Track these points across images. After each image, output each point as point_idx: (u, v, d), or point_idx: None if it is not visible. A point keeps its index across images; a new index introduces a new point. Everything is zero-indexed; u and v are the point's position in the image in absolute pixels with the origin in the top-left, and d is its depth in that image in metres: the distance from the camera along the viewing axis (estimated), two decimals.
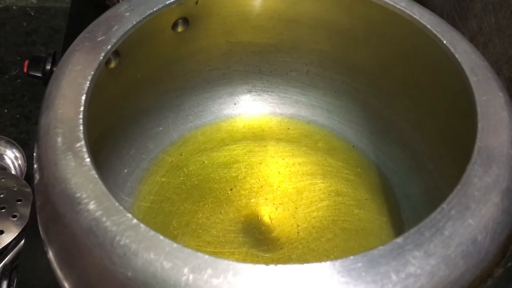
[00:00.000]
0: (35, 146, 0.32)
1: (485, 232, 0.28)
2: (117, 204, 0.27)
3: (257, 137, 0.53)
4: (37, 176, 0.31)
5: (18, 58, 0.74)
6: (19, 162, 0.63)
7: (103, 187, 0.28)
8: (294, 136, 0.53)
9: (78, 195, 0.28)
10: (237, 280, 0.25)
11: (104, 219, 0.27)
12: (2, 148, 0.63)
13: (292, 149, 0.52)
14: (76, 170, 0.28)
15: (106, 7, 0.51)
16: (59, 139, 0.30)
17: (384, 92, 0.49)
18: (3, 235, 0.54)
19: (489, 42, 0.61)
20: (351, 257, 0.26)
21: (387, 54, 0.46)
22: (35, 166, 0.32)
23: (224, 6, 0.46)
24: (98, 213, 0.27)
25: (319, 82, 0.52)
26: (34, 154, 0.32)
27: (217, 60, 0.51)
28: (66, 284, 0.30)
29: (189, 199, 0.47)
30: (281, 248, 0.45)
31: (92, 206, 0.27)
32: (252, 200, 0.47)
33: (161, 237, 0.26)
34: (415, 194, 0.47)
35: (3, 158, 0.63)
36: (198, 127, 0.52)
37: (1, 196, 0.57)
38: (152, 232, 0.26)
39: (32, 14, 0.74)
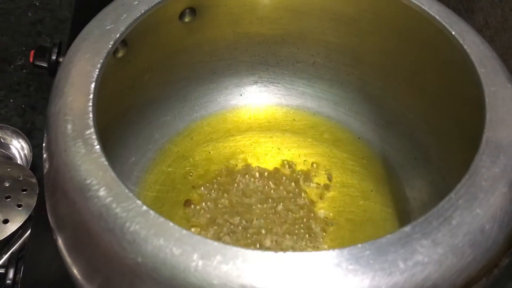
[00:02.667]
0: (45, 133, 0.32)
1: (493, 221, 0.28)
2: (127, 190, 0.27)
3: (263, 128, 0.53)
4: (46, 164, 0.31)
5: (24, 48, 0.74)
6: (25, 152, 0.63)
7: (113, 174, 0.28)
8: (300, 127, 0.53)
9: (88, 181, 0.28)
10: (246, 267, 0.25)
11: (114, 205, 0.27)
12: (8, 138, 0.63)
13: (298, 140, 0.52)
14: (86, 157, 0.29)
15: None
16: (69, 126, 0.30)
17: (391, 83, 0.49)
18: (8, 224, 0.54)
19: (495, 35, 0.61)
20: (359, 245, 0.26)
21: (395, 46, 0.46)
22: (44, 154, 0.32)
23: None
24: (108, 200, 0.27)
25: (326, 74, 0.52)
26: (44, 141, 0.32)
27: (224, 50, 0.51)
28: (75, 270, 0.30)
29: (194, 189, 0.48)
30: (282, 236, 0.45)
31: (102, 192, 0.27)
32: (258, 191, 0.48)
33: (171, 223, 0.26)
34: (421, 186, 0.47)
35: (9, 148, 0.63)
36: (204, 117, 0.52)
37: (7, 185, 0.57)
38: (161, 219, 0.26)
39: (37, 4, 0.74)
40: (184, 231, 0.26)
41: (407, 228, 0.27)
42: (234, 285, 0.24)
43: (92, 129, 0.30)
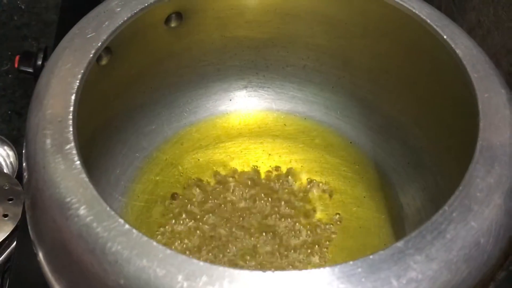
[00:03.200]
0: (24, 145, 0.31)
1: (488, 234, 0.27)
2: (108, 208, 0.26)
3: (253, 134, 0.52)
4: (25, 178, 0.30)
5: (9, 53, 0.72)
6: (11, 160, 0.62)
7: (94, 191, 0.27)
8: (290, 132, 0.52)
9: (68, 199, 0.27)
10: (233, 287, 0.24)
11: (95, 224, 0.26)
12: None
13: (289, 146, 0.51)
14: (66, 173, 0.28)
15: (98, 1, 0.49)
16: (48, 141, 0.29)
17: (383, 87, 0.48)
18: None
19: (487, 34, 0.60)
20: (351, 262, 0.25)
21: (386, 49, 0.45)
22: (24, 165, 0.31)
23: None
24: (88, 219, 0.26)
25: (316, 77, 0.52)
26: (23, 155, 0.31)
27: (212, 55, 0.50)
28: None
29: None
30: (274, 245, 0.44)
31: (82, 211, 0.26)
32: (248, 199, 0.47)
33: (154, 243, 0.25)
34: (414, 191, 0.47)
35: None
36: (193, 124, 0.51)
37: None
38: (144, 238, 0.25)
39: (23, 7, 0.73)
40: (169, 251, 0.25)
41: (400, 243, 0.26)
42: None
43: (72, 144, 0.29)
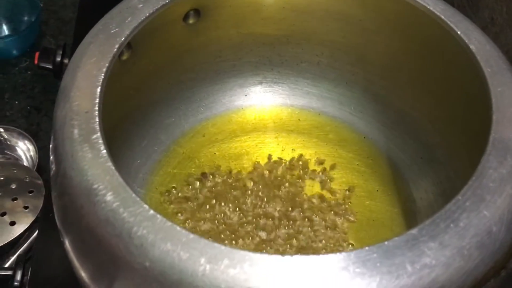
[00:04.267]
0: (52, 138, 0.32)
1: (500, 223, 0.28)
2: (133, 195, 0.27)
3: (268, 128, 0.53)
4: (53, 167, 0.31)
5: (28, 50, 0.74)
6: (31, 153, 0.63)
7: (120, 179, 0.28)
8: (305, 127, 0.53)
9: (95, 186, 0.28)
10: (254, 270, 0.25)
11: (121, 210, 0.27)
12: (14, 140, 0.63)
13: (303, 141, 0.52)
14: (93, 161, 0.29)
15: (116, 1, 0.51)
16: (76, 131, 0.30)
17: (396, 83, 0.49)
18: (15, 226, 0.54)
19: (500, 32, 0.61)
20: (366, 248, 0.26)
21: (400, 45, 0.46)
22: (51, 157, 0.32)
23: None
24: (115, 204, 0.27)
25: (330, 73, 0.52)
26: (50, 145, 0.32)
27: (228, 51, 0.51)
28: (83, 274, 0.30)
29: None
30: (293, 238, 0.45)
31: (109, 197, 0.27)
32: (262, 192, 0.48)
33: (178, 228, 0.26)
34: (427, 186, 0.47)
35: (15, 150, 0.63)
36: (209, 118, 0.52)
37: (13, 187, 0.57)
38: (168, 223, 0.26)
39: (41, 5, 0.74)
40: (192, 235, 0.26)
41: (414, 231, 0.27)
42: None
43: (98, 134, 0.30)
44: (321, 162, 0.50)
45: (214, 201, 0.46)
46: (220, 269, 0.25)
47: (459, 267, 0.26)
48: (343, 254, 0.26)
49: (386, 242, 0.26)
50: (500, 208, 0.28)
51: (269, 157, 0.50)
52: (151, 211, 0.27)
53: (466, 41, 0.37)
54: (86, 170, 0.28)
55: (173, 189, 0.47)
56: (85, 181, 0.28)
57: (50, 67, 0.65)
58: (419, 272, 0.26)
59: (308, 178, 0.49)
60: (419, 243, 0.26)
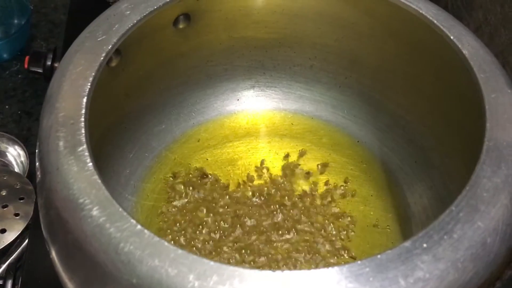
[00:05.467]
0: (37, 147, 0.31)
1: (495, 234, 0.27)
2: (120, 209, 0.27)
3: (261, 133, 0.52)
4: (39, 176, 0.31)
5: (19, 53, 0.73)
6: (22, 159, 0.62)
7: (106, 192, 0.27)
8: (298, 132, 0.52)
9: (81, 200, 0.27)
10: (243, 287, 0.24)
11: (108, 225, 0.26)
12: (4, 145, 0.62)
13: (296, 145, 0.51)
14: (79, 175, 0.28)
15: (107, 4, 0.50)
16: (61, 143, 0.29)
17: (389, 87, 0.49)
18: (6, 233, 0.54)
19: (495, 32, 0.61)
20: (359, 262, 0.26)
21: (393, 49, 0.46)
22: (37, 165, 0.32)
23: (226, 0, 0.45)
24: (101, 219, 0.26)
25: (323, 77, 0.52)
26: (36, 156, 0.32)
27: (220, 55, 0.51)
28: (70, 286, 0.30)
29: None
30: (283, 243, 0.44)
31: (95, 212, 0.27)
32: (256, 198, 0.47)
33: (166, 243, 0.26)
34: (422, 190, 0.47)
35: (6, 155, 0.62)
36: (201, 123, 0.52)
37: (3, 194, 0.56)
38: (156, 238, 0.26)
39: (32, 8, 0.74)
40: (180, 251, 0.25)
41: (407, 243, 0.26)
42: None
43: (85, 146, 0.29)
44: (313, 167, 0.50)
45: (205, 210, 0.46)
46: (209, 285, 0.24)
47: (454, 280, 0.26)
48: (335, 268, 0.25)
49: (378, 256, 0.26)
50: (494, 219, 0.28)
51: (262, 162, 0.50)
52: (138, 226, 0.26)
53: (459, 46, 0.36)
54: (71, 183, 0.28)
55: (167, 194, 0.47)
56: (71, 195, 0.28)
57: (40, 71, 0.65)
58: (413, 286, 0.25)
59: (300, 183, 0.48)
60: (412, 256, 0.26)
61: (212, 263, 0.25)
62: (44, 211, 0.31)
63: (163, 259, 0.25)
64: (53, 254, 0.31)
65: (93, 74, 0.33)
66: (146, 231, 0.26)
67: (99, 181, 0.28)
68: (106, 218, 0.26)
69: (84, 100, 0.31)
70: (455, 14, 0.68)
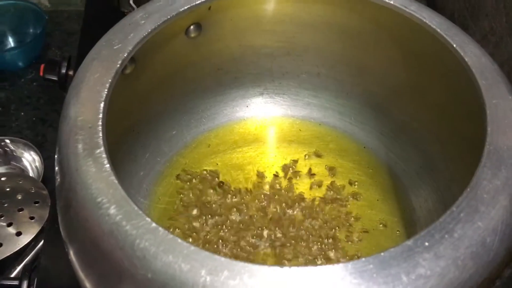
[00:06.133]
0: (57, 151, 0.33)
1: (494, 234, 0.28)
2: (136, 208, 0.28)
3: (269, 139, 0.54)
4: (58, 179, 0.32)
5: (34, 61, 0.75)
6: (36, 164, 0.64)
7: (123, 192, 0.29)
8: (306, 137, 0.54)
9: (99, 199, 0.29)
10: (253, 282, 0.26)
11: (124, 223, 0.28)
12: (20, 151, 0.64)
13: (304, 151, 0.53)
14: (97, 175, 0.30)
15: (121, 13, 0.52)
16: (80, 146, 0.31)
17: (395, 94, 0.50)
18: (21, 236, 0.55)
19: (500, 41, 0.62)
20: (363, 259, 0.27)
21: (398, 57, 0.47)
22: (56, 169, 0.33)
23: (237, 11, 0.47)
24: (118, 217, 0.28)
25: (331, 84, 0.53)
26: (55, 158, 0.33)
27: (230, 63, 0.52)
28: (87, 284, 0.31)
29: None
30: (293, 245, 0.45)
31: (112, 210, 0.28)
32: (264, 201, 0.48)
33: (179, 240, 0.27)
34: (427, 194, 0.48)
35: (21, 161, 0.64)
36: (211, 129, 0.53)
37: (19, 198, 0.58)
38: (170, 236, 0.27)
39: (47, 18, 0.76)
40: (192, 247, 0.27)
41: (409, 242, 0.28)
42: None
43: (102, 148, 0.31)
44: (321, 172, 0.51)
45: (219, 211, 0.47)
46: (220, 280, 0.26)
47: (454, 277, 0.27)
48: (341, 265, 0.26)
49: (382, 253, 0.27)
50: (494, 219, 0.29)
51: (271, 167, 0.51)
52: (153, 224, 0.27)
53: (462, 53, 0.38)
54: (90, 184, 0.29)
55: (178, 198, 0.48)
56: (89, 195, 0.29)
57: (55, 78, 0.67)
58: (414, 283, 0.26)
59: (307, 187, 0.50)
60: (414, 254, 0.27)
61: (223, 259, 0.26)
62: (64, 212, 0.32)
63: (177, 255, 0.26)
64: (71, 253, 0.32)
65: (110, 80, 0.34)
66: (160, 228, 0.27)
67: (116, 181, 0.29)
68: (122, 216, 0.28)
69: (102, 105, 0.33)
70: (462, 23, 0.69)
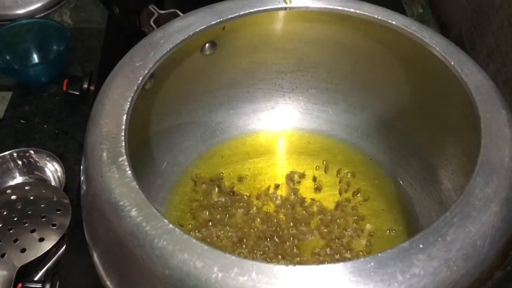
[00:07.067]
0: (83, 159, 0.36)
1: (485, 238, 0.30)
2: (155, 211, 0.31)
3: (280, 150, 0.56)
4: (84, 186, 0.35)
5: (56, 77, 0.78)
6: (58, 174, 0.66)
7: (143, 196, 0.32)
8: (314, 149, 0.56)
9: (121, 203, 0.31)
10: (260, 278, 0.28)
11: (144, 224, 0.30)
12: (44, 161, 0.67)
13: (313, 162, 0.55)
14: (120, 181, 0.32)
15: (141, 33, 0.55)
16: (105, 154, 0.34)
17: (399, 108, 0.52)
18: (44, 242, 0.58)
19: (506, 58, 0.64)
20: (361, 259, 0.29)
21: (401, 74, 0.49)
22: (82, 177, 0.36)
23: (249, 30, 0.50)
24: (139, 219, 0.31)
25: (338, 99, 0.56)
26: (82, 166, 0.36)
27: (242, 79, 0.55)
28: (108, 283, 0.34)
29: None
30: (300, 250, 0.48)
31: (134, 212, 0.31)
32: (276, 210, 0.51)
33: (194, 240, 0.30)
34: (430, 205, 0.50)
35: (44, 171, 0.67)
36: (224, 141, 0.56)
37: (42, 206, 0.60)
38: (185, 236, 0.30)
39: (69, 35, 0.79)
40: (206, 247, 0.29)
41: (405, 244, 0.30)
42: None
43: (124, 157, 0.34)
44: (328, 183, 0.53)
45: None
46: (231, 276, 0.28)
47: (446, 277, 0.29)
48: (341, 264, 0.29)
49: (379, 254, 0.29)
50: (485, 224, 0.31)
51: (281, 177, 0.53)
52: (170, 225, 0.30)
53: (459, 70, 0.40)
54: (113, 188, 0.32)
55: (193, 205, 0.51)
56: (112, 198, 0.32)
57: (77, 93, 0.70)
58: (409, 281, 0.28)
59: (314, 196, 0.52)
60: (410, 255, 0.29)
61: (233, 257, 0.29)
62: (89, 215, 0.35)
63: (192, 253, 0.29)
64: (95, 254, 0.35)
65: (132, 95, 0.37)
66: (177, 229, 0.30)
67: (137, 187, 0.32)
68: (142, 218, 0.31)
69: (124, 117, 0.36)
70: (469, 40, 0.72)
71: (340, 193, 0.52)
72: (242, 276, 0.28)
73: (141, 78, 0.39)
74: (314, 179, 0.53)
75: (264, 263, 0.29)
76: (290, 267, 0.29)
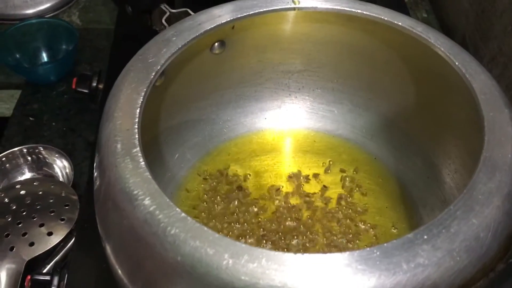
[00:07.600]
0: (96, 152, 0.37)
1: (487, 230, 0.31)
2: (168, 200, 0.32)
3: (286, 149, 0.57)
4: (97, 178, 0.36)
5: (65, 75, 0.79)
6: (67, 171, 0.67)
7: (156, 186, 0.33)
8: (320, 148, 0.57)
9: (135, 192, 0.32)
10: (269, 265, 0.29)
11: (157, 212, 0.31)
12: (52, 158, 0.68)
13: (318, 161, 0.56)
14: (133, 171, 0.33)
15: (151, 32, 0.56)
16: (119, 146, 0.35)
17: (404, 108, 0.53)
18: (52, 236, 0.59)
19: (509, 62, 0.65)
20: (368, 249, 0.30)
21: (406, 74, 0.50)
22: (96, 171, 0.37)
23: (258, 30, 0.51)
24: (152, 207, 0.32)
25: (344, 99, 0.57)
26: (95, 159, 0.37)
27: (250, 78, 0.56)
28: (120, 271, 0.35)
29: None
30: (305, 246, 0.49)
31: (147, 201, 0.32)
32: (281, 206, 0.52)
33: (205, 228, 0.30)
34: (433, 203, 0.51)
35: (53, 167, 0.68)
36: (232, 139, 0.57)
37: (51, 201, 0.61)
38: (197, 224, 0.31)
39: (78, 35, 0.80)
40: (217, 235, 0.30)
41: (410, 235, 0.31)
42: (259, 280, 0.29)
43: (138, 148, 0.35)
44: (333, 181, 0.54)
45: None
46: (241, 263, 0.29)
47: (449, 267, 0.30)
48: (347, 253, 0.30)
49: (385, 244, 0.30)
50: (487, 217, 0.32)
51: (287, 175, 0.55)
52: (183, 214, 0.31)
53: (463, 70, 0.41)
54: (127, 178, 0.33)
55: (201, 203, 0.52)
56: (126, 188, 0.33)
57: (86, 91, 0.71)
58: (414, 270, 0.29)
59: (319, 194, 0.53)
60: (414, 245, 0.30)
61: (243, 245, 0.30)
62: (102, 204, 0.36)
63: (203, 241, 0.30)
64: (107, 244, 0.36)
65: (145, 90, 0.38)
66: (189, 218, 0.31)
67: (150, 177, 0.33)
68: (156, 206, 0.32)
69: (138, 111, 0.37)
70: (473, 44, 0.73)
71: (344, 191, 0.53)
72: (252, 263, 0.29)
73: (153, 74, 0.40)
74: (319, 177, 0.54)
75: (272, 251, 0.30)
76: (298, 255, 0.30)
